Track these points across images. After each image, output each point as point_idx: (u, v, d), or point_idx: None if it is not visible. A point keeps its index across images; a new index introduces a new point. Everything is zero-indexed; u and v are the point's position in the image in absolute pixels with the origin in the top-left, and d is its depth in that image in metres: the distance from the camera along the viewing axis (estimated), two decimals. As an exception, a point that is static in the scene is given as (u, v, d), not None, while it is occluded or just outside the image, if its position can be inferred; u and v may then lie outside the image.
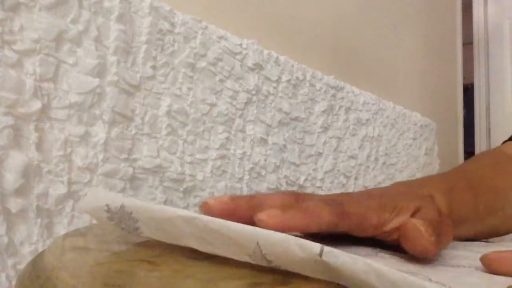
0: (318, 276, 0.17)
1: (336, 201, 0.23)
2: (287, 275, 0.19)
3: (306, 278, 0.18)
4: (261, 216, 0.21)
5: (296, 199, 0.25)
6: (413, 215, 0.24)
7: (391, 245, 0.25)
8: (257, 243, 0.18)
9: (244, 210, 0.22)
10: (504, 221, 0.34)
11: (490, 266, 0.20)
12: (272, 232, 0.18)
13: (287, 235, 0.17)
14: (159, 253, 0.22)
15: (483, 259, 0.21)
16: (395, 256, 0.24)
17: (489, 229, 0.33)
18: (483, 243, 0.33)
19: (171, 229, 0.20)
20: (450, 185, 0.32)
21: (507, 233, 0.35)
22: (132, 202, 0.22)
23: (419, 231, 0.21)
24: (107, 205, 0.22)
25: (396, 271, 0.15)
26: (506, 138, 0.45)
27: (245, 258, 0.19)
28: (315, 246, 0.17)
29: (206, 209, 0.23)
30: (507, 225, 0.34)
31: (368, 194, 0.27)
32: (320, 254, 0.16)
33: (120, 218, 0.22)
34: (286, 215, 0.21)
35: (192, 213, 0.20)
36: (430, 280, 0.18)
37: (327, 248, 0.16)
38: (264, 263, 0.18)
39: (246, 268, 0.19)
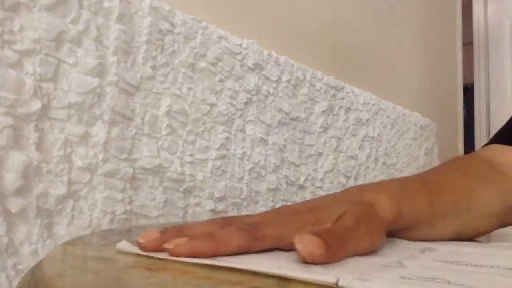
0: None
1: (253, 225, 0.24)
2: (285, 279, 0.19)
3: (304, 282, 0.18)
4: (167, 245, 0.22)
5: (221, 225, 0.26)
6: (334, 222, 0.25)
7: None
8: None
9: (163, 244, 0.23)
10: (471, 222, 0.34)
11: None
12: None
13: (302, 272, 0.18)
14: (157, 260, 0.22)
15: None
16: (419, 260, 0.24)
17: (455, 229, 0.33)
18: (495, 243, 0.34)
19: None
20: (403, 187, 0.32)
21: (477, 234, 0.35)
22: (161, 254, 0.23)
23: (296, 248, 0.22)
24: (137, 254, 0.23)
25: None
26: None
27: None
28: (331, 278, 0.17)
29: (140, 248, 0.24)
30: (475, 225, 0.34)
31: (298, 208, 0.28)
32: (337, 283, 0.17)
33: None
34: (192, 243, 0.22)
35: None
36: (449, 282, 0.18)
37: (342, 280, 0.17)
38: None
39: (244, 273, 0.19)
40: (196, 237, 0.23)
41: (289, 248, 0.24)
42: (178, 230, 0.25)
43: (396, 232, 0.31)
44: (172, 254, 0.22)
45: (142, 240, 0.24)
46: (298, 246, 0.21)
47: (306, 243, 0.21)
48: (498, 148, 0.41)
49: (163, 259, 0.22)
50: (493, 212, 0.35)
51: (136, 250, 0.24)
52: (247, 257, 0.23)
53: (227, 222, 0.27)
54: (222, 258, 0.22)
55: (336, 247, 0.22)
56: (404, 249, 0.28)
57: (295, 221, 0.26)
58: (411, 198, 0.31)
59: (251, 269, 0.20)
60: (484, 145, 0.43)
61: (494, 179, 0.36)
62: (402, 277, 0.19)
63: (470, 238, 0.34)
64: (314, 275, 0.18)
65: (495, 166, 0.38)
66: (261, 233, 0.24)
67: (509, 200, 0.36)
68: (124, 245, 0.24)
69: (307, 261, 0.21)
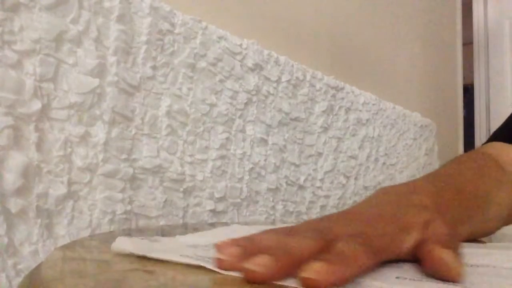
0: None
1: (362, 237, 0.21)
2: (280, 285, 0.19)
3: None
4: (304, 274, 0.18)
5: (323, 240, 0.21)
6: (423, 230, 0.23)
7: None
8: None
9: (286, 268, 0.19)
10: (485, 223, 0.34)
11: None
12: None
13: None
14: (155, 263, 0.22)
15: None
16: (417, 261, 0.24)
17: (469, 231, 0.32)
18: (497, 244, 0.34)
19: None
20: (437, 189, 0.30)
21: (485, 235, 0.35)
22: (156, 254, 0.22)
23: (445, 264, 0.20)
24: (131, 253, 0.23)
25: None
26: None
27: None
28: None
29: (220, 267, 0.20)
30: (486, 227, 0.34)
31: (379, 214, 0.25)
32: None
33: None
34: (330, 269, 0.18)
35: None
36: (444, 282, 0.19)
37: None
38: None
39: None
40: (331, 260, 0.18)
41: (392, 255, 0.22)
42: (284, 249, 0.20)
43: None
44: (314, 285, 0.17)
45: (223, 257, 0.20)
46: (447, 262, 0.20)
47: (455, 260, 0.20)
48: (500, 146, 0.41)
49: (163, 261, 0.22)
50: (503, 214, 0.35)
51: (132, 249, 0.23)
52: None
53: (324, 233, 0.22)
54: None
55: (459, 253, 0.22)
56: None
57: (389, 228, 0.23)
58: (446, 200, 0.30)
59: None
60: (484, 143, 0.43)
61: (504, 179, 0.36)
62: (397, 277, 0.19)
63: (478, 238, 0.34)
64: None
65: (502, 165, 0.38)
66: (377, 244, 0.21)
67: None
68: (120, 244, 0.24)
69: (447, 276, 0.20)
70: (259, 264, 0.18)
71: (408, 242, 0.22)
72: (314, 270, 0.17)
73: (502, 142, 0.41)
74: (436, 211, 0.26)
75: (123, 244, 0.24)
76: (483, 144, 0.43)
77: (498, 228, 0.36)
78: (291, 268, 0.18)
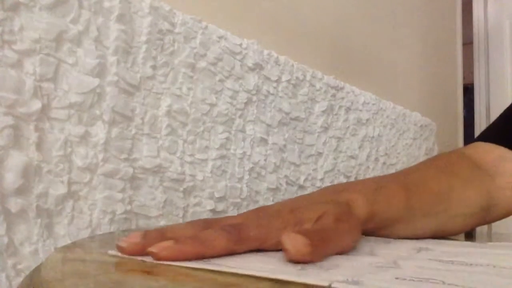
0: None
1: (236, 227, 0.24)
2: (284, 283, 0.19)
3: (300, 286, 0.18)
4: (152, 249, 0.22)
5: (203, 227, 0.26)
6: (315, 222, 0.26)
7: None
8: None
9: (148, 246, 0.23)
10: (448, 221, 0.34)
11: None
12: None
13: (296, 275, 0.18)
14: (156, 264, 0.22)
15: None
16: (414, 261, 0.24)
17: (431, 228, 0.34)
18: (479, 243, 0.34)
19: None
20: (378, 187, 0.32)
21: (454, 233, 0.36)
22: None
23: (284, 248, 0.22)
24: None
25: None
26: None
27: None
28: (324, 282, 0.17)
29: (122, 252, 0.23)
30: (452, 225, 0.35)
31: (279, 209, 0.28)
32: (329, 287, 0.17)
33: None
34: (177, 246, 0.22)
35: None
36: (443, 283, 0.19)
37: (335, 284, 0.17)
38: None
39: (242, 277, 0.19)
40: (181, 240, 0.22)
41: (272, 248, 0.25)
42: (160, 233, 0.24)
43: (371, 230, 0.32)
44: (157, 259, 0.21)
45: (124, 244, 0.23)
46: (286, 245, 0.22)
47: (293, 242, 0.22)
48: (482, 146, 0.41)
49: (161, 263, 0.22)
50: (470, 212, 0.35)
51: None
52: (234, 258, 0.23)
53: (208, 224, 0.27)
54: (212, 261, 0.22)
55: (321, 245, 0.23)
56: (400, 248, 0.28)
57: (278, 222, 0.26)
58: (386, 198, 0.32)
59: (245, 273, 0.19)
60: (470, 142, 0.43)
61: (475, 178, 0.37)
62: (396, 278, 0.20)
63: (446, 236, 0.35)
64: (308, 278, 0.18)
65: (479, 164, 0.38)
66: (245, 234, 0.24)
67: (489, 199, 0.36)
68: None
69: (294, 259, 0.22)
70: (159, 246, 0.22)
71: (276, 237, 0.24)
72: (160, 245, 0.21)
73: (488, 142, 0.41)
74: (369, 209, 0.30)
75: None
76: (468, 144, 0.44)
77: (470, 226, 0.36)
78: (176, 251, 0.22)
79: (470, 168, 0.38)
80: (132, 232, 0.24)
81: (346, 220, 0.27)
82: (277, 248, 0.24)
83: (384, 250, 0.28)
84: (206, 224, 0.27)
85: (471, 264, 0.23)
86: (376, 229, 0.32)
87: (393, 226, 0.32)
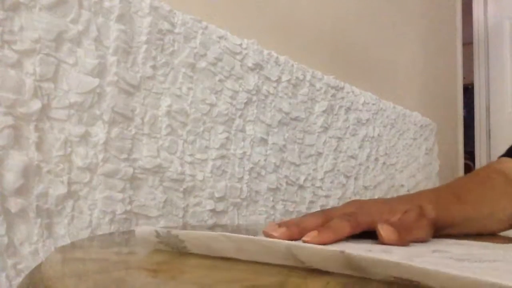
0: (340, 270, 0.21)
1: (352, 215, 0.33)
2: (285, 278, 0.19)
3: (304, 281, 0.18)
4: (305, 238, 0.29)
5: (325, 218, 0.33)
6: (402, 215, 0.35)
7: None
8: (289, 248, 0.22)
9: (296, 235, 0.31)
10: (490, 224, 0.44)
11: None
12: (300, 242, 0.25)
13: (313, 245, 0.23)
14: (157, 261, 0.22)
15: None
16: (428, 258, 0.28)
17: (477, 229, 0.43)
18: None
19: (214, 244, 0.25)
20: (437, 196, 0.42)
21: (493, 232, 0.45)
22: (177, 230, 0.26)
23: (379, 234, 0.31)
24: (156, 231, 0.27)
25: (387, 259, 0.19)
26: (505, 138, 0.48)
27: (281, 261, 0.23)
28: (337, 248, 0.21)
29: (268, 236, 0.30)
30: (492, 227, 0.44)
31: (375, 201, 0.38)
32: (343, 252, 0.21)
33: (168, 240, 0.26)
34: (321, 235, 0.30)
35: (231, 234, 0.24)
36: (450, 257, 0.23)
37: (347, 250, 0.21)
38: (298, 264, 0.23)
39: (244, 272, 0.20)
40: (319, 229, 0.30)
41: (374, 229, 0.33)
42: (297, 223, 0.32)
43: (435, 230, 0.40)
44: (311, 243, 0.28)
45: (276, 234, 0.30)
46: (381, 232, 0.31)
47: (386, 231, 0.31)
48: (510, 161, 0.51)
49: (162, 261, 0.22)
50: (505, 218, 0.45)
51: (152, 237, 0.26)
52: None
53: (326, 214, 0.34)
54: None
55: (404, 234, 0.31)
56: (415, 250, 0.31)
57: (377, 210, 0.35)
58: (446, 206, 0.41)
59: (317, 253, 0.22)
60: (499, 157, 0.52)
61: (508, 190, 0.47)
62: (434, 251, 0.23)
63: (486, 234, 0.44)
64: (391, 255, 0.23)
65: (509, 178, 0.48)
66: (360, 220, 0.33)
67: None
68: (143, 230, 0.27)
69: (386, 243, 0.30)
70: (311, 236, 0.30)
71: (377, 221, 0.32)
72: (310, 235, 0.29)
73: None
74: (435, 214, 0.38)
75: (145, 228, 0.27)
76: (498, 158, 0.52)
77: (503, 229, 0.45)
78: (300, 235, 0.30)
79: (504, 182, 0.47)
80: (274, 225, 0.31)
81: (424, 217, 0.36)
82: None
83: (400, 250, 0.30)
84: (325, 214, 0.34)
85: (484, 261, 0.24)
86: (438, 229, 0.39)
87: (450, 228, 0.41)
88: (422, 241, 0.34)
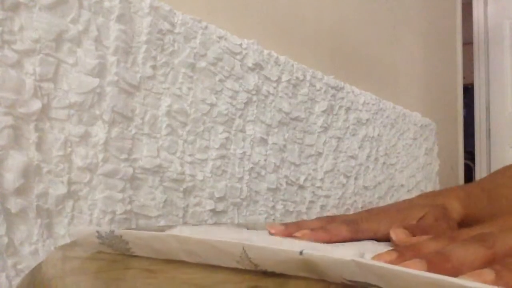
0: (300, 274, 0.20)
1: (353, 221, 0.32)
2: (283, 280, 0.19)
3: (305, 282, 0.18)
4: (297, 234, 0.30)
5: (327, 222, 0.33)
6: (418, 220, 0.34)
7: None
8: (243, 249, 0.20)
9: (293, 234, 0.30)
10: None
11: None
12: (255, 241, 0.21)
13: (269, 243, 0.21)
14: (156, 262, 0.22)
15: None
16: None
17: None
18: None
19: (160, 245, 0.22)
20: (467, 193, 0.41)
21: None
22: (120, 229, 0.24)
23: (391, 237, 0.30)
24: (97, 232, 0.24)
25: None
26: (505, 138, 0.48)
27: (233, 264, 0.21)
28: (296, 249, 0.19)
29: (271, 234, 0.30)
30: None
31: (387, 209, 0.36)
32: (301, 253, 0.19)
33: (111, 241, 0.24)
34: (313, 233, 0.30)
35: (175, 231, 0.22)
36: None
37: (306, 250, 0.19)
38: (251, 267, 0.20)
39: (242, 274, 0.20)
40: (314, 229, 0.30)
41: (384, 239, 0.32)
42: (298, 225, 0.32)
43: (463, 227, 0.39)
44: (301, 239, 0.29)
45: (273, 231, 0.31)
46: (392, 235, 0.29)
47: (397, 234, 0.29)
48: None
49: (160, 260, 0.22)
50: None
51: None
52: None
53: (331, 219, 0.34)
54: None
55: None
56: None
57: (387, 219, 0.34)
58: (475, 203, 0.40)
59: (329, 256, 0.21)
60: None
61: None
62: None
63: None
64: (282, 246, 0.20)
65: None
66: (360, 226, 0.32)
67: None
68: (82, 231, 0.26)
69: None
70: (302, 232, 0.30)
71: (385, 230, 0.31)
72: (301, 232, 0.29)
73: None
74: (463, 211, 0.37)
75: (84, 228, 0.26)
76: None
77: None
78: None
79: None
80: (275, 223, 0.32)
81: (442, 219, 0.35)
82: (387, 239, 0.31)
83: None
84: (329, 219, 0.34)
85: None
86: (466, 226, 0.39)
87: (479, 224, 0.40)
88: None
